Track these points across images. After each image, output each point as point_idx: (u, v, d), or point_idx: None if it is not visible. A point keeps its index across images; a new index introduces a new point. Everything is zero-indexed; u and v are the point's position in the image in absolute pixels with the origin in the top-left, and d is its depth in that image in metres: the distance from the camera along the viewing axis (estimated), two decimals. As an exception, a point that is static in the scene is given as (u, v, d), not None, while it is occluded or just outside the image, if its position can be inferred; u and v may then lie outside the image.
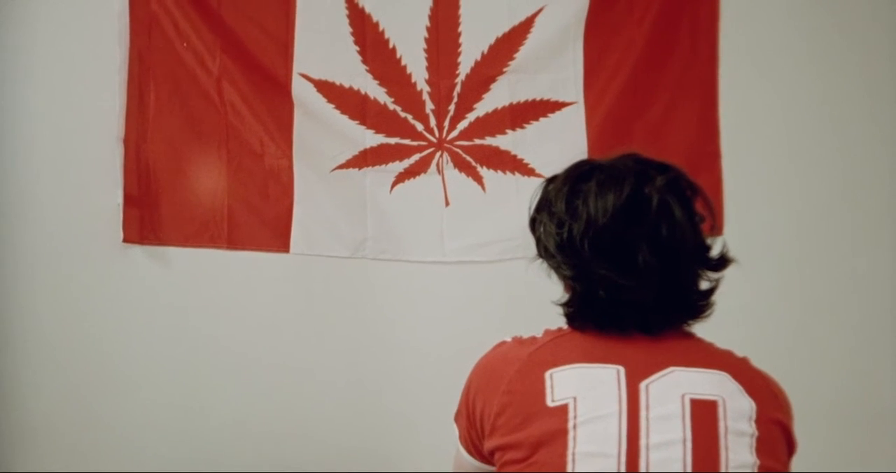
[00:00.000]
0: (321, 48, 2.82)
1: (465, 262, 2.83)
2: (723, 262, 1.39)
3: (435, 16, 2.83)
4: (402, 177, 2.85)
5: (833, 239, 2.94)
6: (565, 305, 1.41)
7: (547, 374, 1.31)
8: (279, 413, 2.82)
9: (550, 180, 1.46)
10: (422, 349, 2.82)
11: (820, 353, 2.91)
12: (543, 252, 1.41)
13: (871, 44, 2.95)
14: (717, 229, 2.86)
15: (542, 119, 2.86)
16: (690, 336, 1.40)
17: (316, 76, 2.81)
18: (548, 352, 1.35)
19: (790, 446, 1.34)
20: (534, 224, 1.44)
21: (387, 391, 2.85)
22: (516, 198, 2.78)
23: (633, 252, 1.31)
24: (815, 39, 2.95)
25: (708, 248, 1.38)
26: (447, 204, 2.85)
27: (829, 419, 2.82)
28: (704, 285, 1.38)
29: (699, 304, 1.38)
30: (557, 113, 2.86)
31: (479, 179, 2.85)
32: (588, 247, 1.33)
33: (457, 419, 1.49)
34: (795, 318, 2.92)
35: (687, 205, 1.36)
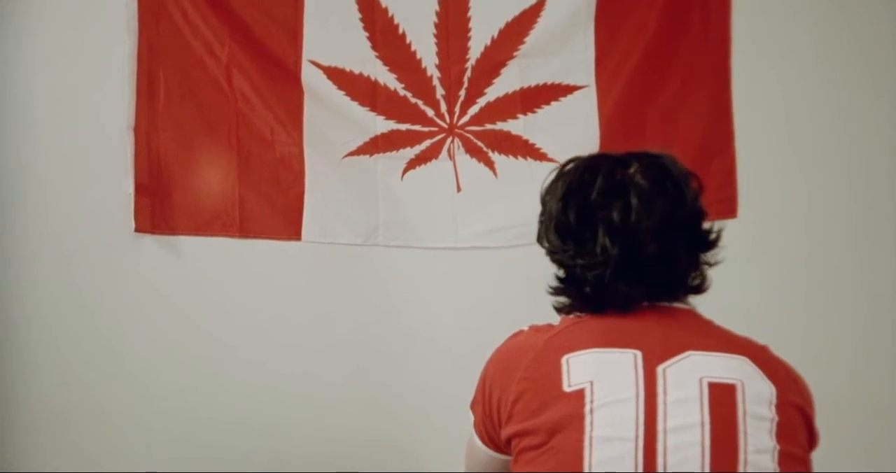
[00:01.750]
0: (330, 35, 2.82)
1: (477, 248, 2.82)
2: (709, 243, 1.42)
3: (444, 1, 2.83)
4: (413, 164, 2.85)
5: (848, 225, 2.94)
6: (552, 293, 1.44)
7: (563, 359, 1.32)
8: (291, 404, 2.83)
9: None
10: (436, 336, 2.83)
11: (830, 338, 2.91)
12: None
13: (884, 28, 2.94)
14: (729, 212, 2.89)
15: (553, 103, 2.85)
16: (708, 322, 1.41)
17: (325, 63, 2.81)
18: (564, 338, 1.36)
19: (811, 434, 1.34)
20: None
21: (401, 381, 2.86)
22: (528, 183, 2.75)
23: (591, 237, 1.36)
24: (828, 23, 2.95)
25: (695, 231, 1.41)
26: (459, 190, 2.86)
27: (837, 410, 2.81)
28: (688, 263, 1.40)
29: (682, 282, 1.40)
30: (569, 97, 2.85)
31: (490, 164, 2.85)
32: (553, 236, 1.41)
33: (473, 407, 1.49)
34: (806, 301, 2.93)
35: (662, 190, 1.37)
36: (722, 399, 1.26)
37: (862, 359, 2.92)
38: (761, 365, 1.32)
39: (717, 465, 1.22)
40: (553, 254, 1.42)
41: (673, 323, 1.37)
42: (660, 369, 1.29)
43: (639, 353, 1.30)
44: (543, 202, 1.46)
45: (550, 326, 1.42)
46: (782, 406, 1.29)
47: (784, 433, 1.27)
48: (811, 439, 1.34)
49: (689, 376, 1.28)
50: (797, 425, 1.30)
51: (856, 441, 2.82)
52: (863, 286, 2.94)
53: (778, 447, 1.25)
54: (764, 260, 2.90)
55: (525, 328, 1.45)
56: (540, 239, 1.45)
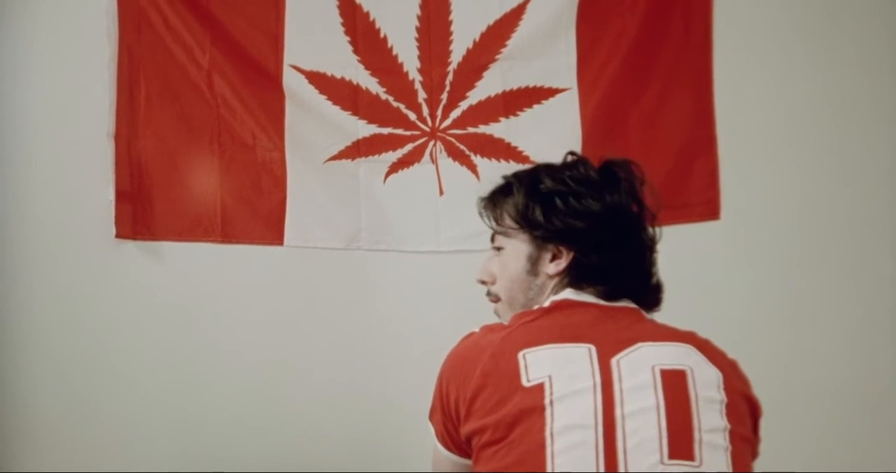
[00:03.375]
0: (312, 39, 2.84)
1: (460, 251, 2.82)
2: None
3: (426, 4, 2.85)
4: (395, 167, 2.86)
5: (831, 225, 2.96)
6: (568, 270, 1.51)
7: (520, 355, 1.36)
8: (277, 408, 2.84)
9: (525, 172, 1.63)
10: (419, 339, 2.82)
11: (817, 340, 2.93)
12: (562, 219, 1.51)
13: (866, 27, 2.98)
14: (711, 214, 2.91)
15: (535, 106, 2.87)
16: (651, 319, 1.51)
17: (307, 67, 2.81)
18: (520, 335, 1.41)
19: (754, 413, 1.42)
20: (540, 198, 1.54)
21: (386, 384, 2.87)
22: (511, 186, 2.77)
23: (612, 225, 1.52)
24: (810, 23, 2.99)
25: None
26: (441, 193, 2.86)
27: (828, 406, 2.82)
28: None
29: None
30: (551, 99, 2.87)
31: (472, 168, 2.86)
32: (577, 220, 1.50)
33: (431, 417, 1.53)
34: (792, 303, 2.93)
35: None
36: (674, 384, 1.33)
37: (844, 361, 2.94)
38: (705, 352, 1.40)
39: (675, 444, 1.28)
40: (563, 232, 1.51)
41: (621, 319, 1.46)
42: (614, 361, 1.35)
43: (593, 347, 1.36)
44: (561, 178, 1.54)
45: (503, 325, 1.49)
46: (729, 390, 1.36)
47: (732, 414, 1.34)
48: (755, 417, 1.42)
49: (641, 365, 1.35)
50: (742, 409, 1.38)
51: (842, 444, 2.84)
52: (847, 287, 2.96)
53: (729, 426, 1.32)
54: (746, 262, 2.91)
55: (476, 329, 1.50)
56: (551, 211, 1.52)
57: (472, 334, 1.49)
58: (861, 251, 2.96)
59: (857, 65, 2.95)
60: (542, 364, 1.34)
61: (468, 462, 1.45)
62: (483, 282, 1.67)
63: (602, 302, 1.49)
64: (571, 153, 1.61)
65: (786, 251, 2.93)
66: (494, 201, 1.64)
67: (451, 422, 1.45)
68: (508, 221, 1.59)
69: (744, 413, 1.38)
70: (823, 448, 2.72)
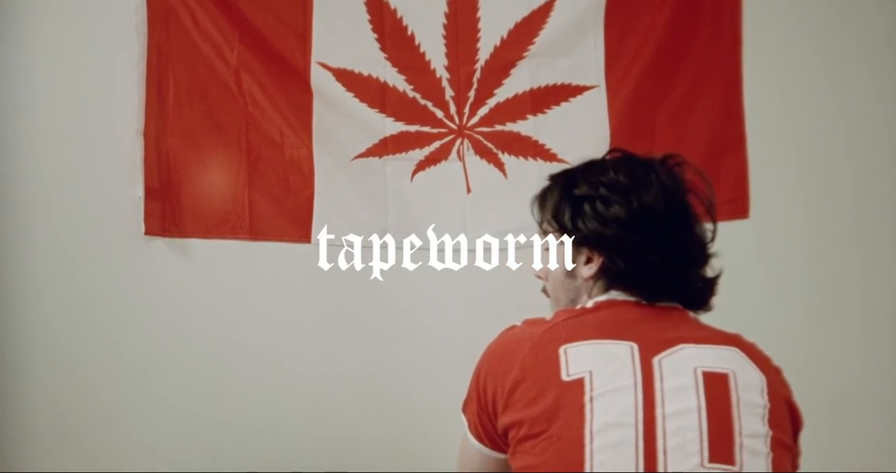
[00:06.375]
0: (339, 36, 2.86)
1: (487, 249, 2.81)
2: None
3: (453, 2, 2.88)
4: (422, 165, 2.87)
5: (856, 226, 2.97)
6: (600, 273, 1.51)
7: (561, 350, 1.37)
8: (302, 407, 2.86)
9: (565, 173, 1.64)
10: (444, 337, 2.84)
11: (839, 338, 2.93)
12: (589, 224, 1.50)
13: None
14: (740, 212, 2.89)
15: (563, 104, 2.87)
16: (696, 319, 1.51)
17: (334, 65, 2.83)
18: (561, 330, 1.42)
19: (795, 422, 1.41)
20: (571, 202, 1.55)
21: (413, 382, 2.88)
22: (538, 184, 2.71)
23: (661, 229, 1.48)
24: (842, 20, 2.95)
25: None
26: (469, 191, 2.87)
27: (840, 409, 2.80)
28: None
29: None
30: (579, 97, 2.87)
31: (500, 166, 2.86)
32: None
33: (465, 408, 1.54)
34: (817, 301, 2.94)
35: None
36: (716, 387, 1.33)
37: (871, 360, 2.93)
38: (750, 355, 1.41)
39: (715, 447, 1.29)
40: (591, 237, 1.50)
41: (664, 319, 1.46)
42: (655, 360, 1.35)
43: (635, 345, 1.37)
44: (605, 181, 1.52)
45: (544, 320, 1.49)
46: (772, 394, 1.36)
47: (774, 419, 1.34)
48: (795, 426, 1.41)
49: (683, 366, 1.35)
50: (784, 415, 1.38)
51: (857, 439, 2.83)
52: (875, 287, 2.94)
53: (770, 432, 1.32)
54: (775, 260, 2.89)
55: (518, 323, 1.51)
56: (578, 216, 1.52)
57: (512, 327, 1.50)
58: (887, 251, 2.94)
59: (890, 62, 2.93)
60: (582, 359, 1.35)
61: (498, 455, 1.47)
62: (539, 277, 1.68)
63: (645, 302, 1.49)
64: (615, 149, 1.62)
65: (816, 250, 2.93)
66: (543, 200, 1.67)
67: (486, 414, 1.46)
68: (550, 221, 1.61)
69: (785, 419, 1.38)
70: (833, 448, 2.69)
